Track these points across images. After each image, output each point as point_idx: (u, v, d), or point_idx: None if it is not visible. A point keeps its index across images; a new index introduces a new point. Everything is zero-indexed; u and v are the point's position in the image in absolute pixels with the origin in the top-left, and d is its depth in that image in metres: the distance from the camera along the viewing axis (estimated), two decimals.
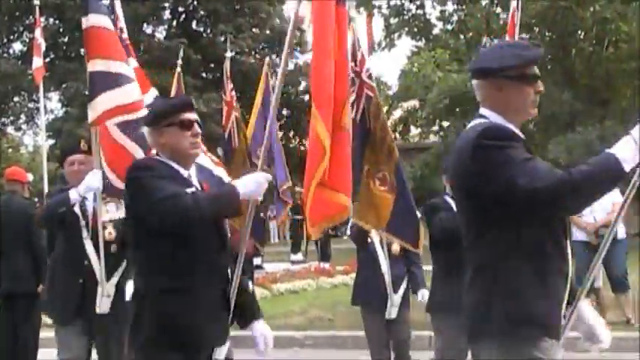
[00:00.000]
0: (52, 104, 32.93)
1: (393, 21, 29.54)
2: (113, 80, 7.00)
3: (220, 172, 8.76)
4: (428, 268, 8.35)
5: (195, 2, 40.35)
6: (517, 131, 4.30)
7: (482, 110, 4.43)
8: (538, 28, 27.24)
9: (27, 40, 36.70)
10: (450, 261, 7.34)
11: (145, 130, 4.91)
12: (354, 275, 11.05)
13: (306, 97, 41.96)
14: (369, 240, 8.71)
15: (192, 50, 37.17)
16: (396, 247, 8.65)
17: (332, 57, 5.98)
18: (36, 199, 11.46)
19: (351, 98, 8.50)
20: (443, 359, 7.62)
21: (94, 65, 6.97)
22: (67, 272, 6.88)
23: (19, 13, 38.22)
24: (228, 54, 13.80)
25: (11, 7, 38.24)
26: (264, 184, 4.76)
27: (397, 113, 30.35)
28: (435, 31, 30.14)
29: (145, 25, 39.36)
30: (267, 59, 14.46)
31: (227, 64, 12.94)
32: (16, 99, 40.51)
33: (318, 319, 13.30)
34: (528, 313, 4.06)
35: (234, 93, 11.76)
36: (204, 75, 38.55)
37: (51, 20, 33.88)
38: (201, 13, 40.31)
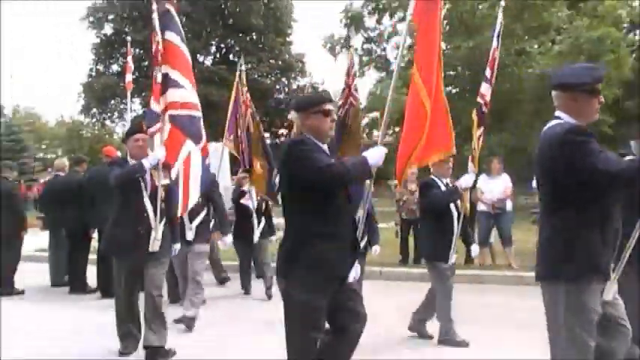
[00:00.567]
0: (135, 106, 33.39)
1: (364, 58, 29.46)
2: (175, 83, 6.84)
3: None
4: (383, 225, 8.37)
5: (232, 41, 40.32)
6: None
7: (558, 113, 4.41)
8: (461, 68, 27.20)
9: (121, 63, 37.18)
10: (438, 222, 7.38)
11: (294, 114, 4.77)
12: None
13: None
14: None
15: (228, 73, 37.32)
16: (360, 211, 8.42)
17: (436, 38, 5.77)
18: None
19: (340, 102, 8.65)
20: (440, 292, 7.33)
21: (166, 69, 6.81)
22: (130, 221, 6.67)
23: (117, 45, 39.08)
24: (243, 67, 13.48)
25: (112, 41, 40.55)
26: (383, 156, 4.59)
27: (365, 121, 30.27)
28: (392, 67, 30.06)
29: (198, 55, 39.51)
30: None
31: (242, 75, 12.91)
32: (112, 102, 41.15)
33: None
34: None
35: (248, 94, 11.74)
36: None
37: (137, 50, 33.92)
38: (236, 48, 40.28)
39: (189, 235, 8.40)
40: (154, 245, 6.62)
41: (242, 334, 8.03)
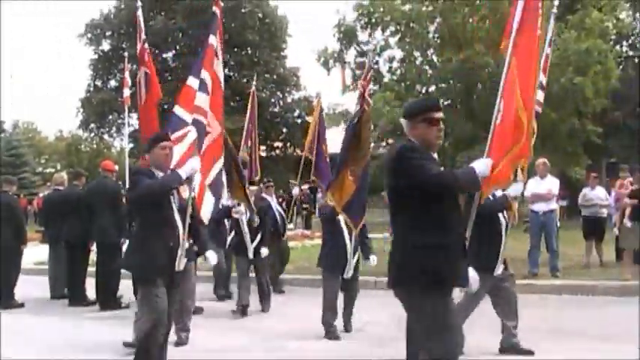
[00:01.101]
0: (132, 120, 33.32)
1: (357, 72, 29.49)
2: (205, 87, 6.80)
3: None
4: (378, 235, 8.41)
5: (228, 56, 40.38)
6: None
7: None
8: (452, 80, 27.28)
9: (119, 79, 37.13)
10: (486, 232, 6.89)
11: (402, 120, 4.57)
12: None
13: (299, 120, 42.01)
14: (338, 219, 8.18)
15: (225, 87, 37.26)
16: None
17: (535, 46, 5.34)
18: (120, 182, 11.52)
19: (356, 108, 8.45)
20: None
21: (204, 74, 6.82)
22: (159, 237, 5.79)
23: (114, 61, 39.34)
24: (253, 88, 13.82)
25: (110, 57, 40.62)
26: (490, 167, 4.56)
27: None
28: (385, 80, 30.10)
29: None
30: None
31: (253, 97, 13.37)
32: (110, 117, 41.15)
33: (302, 267, 13.21)
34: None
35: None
36: (232, 104, 38.60)
37: (134, 65, 33.95)
38: (232, 63, 40.33)
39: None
40: (181, 264, 5.90)
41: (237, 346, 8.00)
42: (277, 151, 41.98)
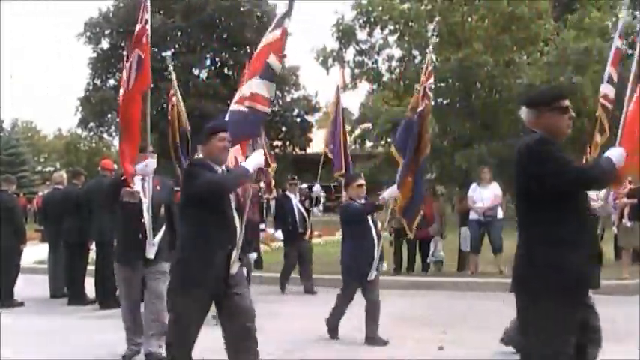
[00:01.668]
0: None
1: (356, 71, 29.47)
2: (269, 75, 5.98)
3: None
4: None
5: (226, 55, 40.41)
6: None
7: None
8: (451, 79, 27.28)
9: (118, 77, 37.18)
10: None
11: (524, 110, 4.19)
12: (326, 238, 10.77)
13: (298, 119, 42.11)
14: (366, 219, 7.78)
15: (223, 86, 37.54)
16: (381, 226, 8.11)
17: None
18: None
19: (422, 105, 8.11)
20: None
21: (272, 59, 6.07)
22: (217, 241, 5.12)
23: (113, 60, 39.61)
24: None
25: (109, 55, 40.80)
26: (624, 156, 4.18)
27: (357, 132, 30.20)
28: (384, 78, 30.09)
29: (193, 68, 39.69)
30: None
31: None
32: (109, 115, 41.14)
33: None
34: None
35: None
36: (230, 102, 38.67)
37: None
38: (230, 62, 40.37)
39: (151, 253, 6.71)
40: (234, 267, 5.23)
41: None
42: (276, 150, 41.99)
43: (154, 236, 6.74)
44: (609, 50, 7.32)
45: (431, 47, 8.46)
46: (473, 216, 12.59)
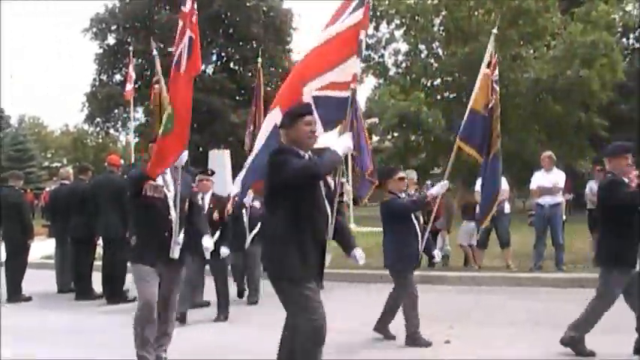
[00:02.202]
0: (138, 115, 33.39)
1: (363, 65, 29.47)
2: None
3: None
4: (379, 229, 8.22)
5: (233, 50, 40.40)
6: None
7: None
8: (458, 74, 27.24)
9: (124, 73, 37.15)
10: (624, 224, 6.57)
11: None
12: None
13: None
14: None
15: (230, 81, 37.57)
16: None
17: None
18: (125, 176, 11.48)
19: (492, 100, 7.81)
20: None
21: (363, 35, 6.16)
22: (311, 229, 4.84)
23: (119, 55, 39.77)
24: (259, 64, 13.59)
25: (115, 51, 40.75)
26: None
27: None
28: (390, 73, 30.09)
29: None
30: None
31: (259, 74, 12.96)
32: (115, 111, 41.26)
33: None
34: None
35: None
36: (237, 97, 38.58)
37: (139, 60, 33.98)
38: (236, 57, 40.38)
39: (176, 252, 6.13)
40: (328, 258, 5.23)
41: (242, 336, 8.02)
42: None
43: (179, 234, 6.15)
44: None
45: (493, 36, 8.07)
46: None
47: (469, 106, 7.74)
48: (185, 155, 6.13)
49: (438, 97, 28.55)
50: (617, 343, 6.68)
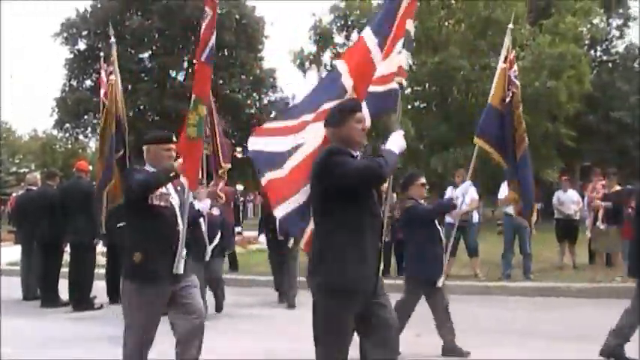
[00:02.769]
0: None
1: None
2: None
3: None
4: None
5: None
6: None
7: None
8: (428, 83, 27.39)
9: (94, 79, 36.90)
10: None
11: None
12: None
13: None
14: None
15: None
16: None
17: None
18: (94, 183, 11.34)
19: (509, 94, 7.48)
20: None
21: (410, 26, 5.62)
22: (369, 236, 4.38)
23: (90, 61, 39.25)
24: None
25: (85, 56, 40.08)
26: None
27: None
28: None
29: (170, 71, 39.49)
30: None
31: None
32: (85, 116, 40.78)
33: None
34: None
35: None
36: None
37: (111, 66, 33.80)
38: None
39: (181, 267, 5.36)
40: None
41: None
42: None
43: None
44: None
45: (509, 31, 7.89)
46: (448, 219, 12.55)
47: (488, 102, 7.57)
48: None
49: (409, 106, 28.62)
50: (584, 351, 6.71)
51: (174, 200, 5.46)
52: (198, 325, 5.21)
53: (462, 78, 25.30)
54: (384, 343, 4.38)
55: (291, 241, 10.27)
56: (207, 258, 9.41)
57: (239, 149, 35.12)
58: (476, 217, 12.59)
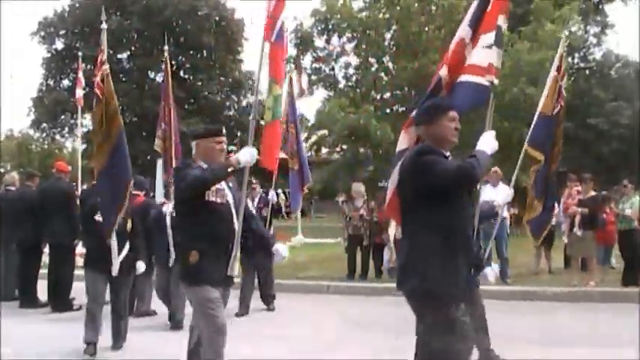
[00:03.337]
0: (86, 121, 32.90)
1: (313, 77, 29.65)
2: None
3: None
4: (331, 240, 8.23)
5: (183, 58, 40.15)
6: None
7: None
8: (407, 88, 27.56)
9: (72, 78, 36.61)
10: None
11: None
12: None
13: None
14: None
15: (179, 89, 37.28)
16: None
17: None
18: (74, 183, 11.33)
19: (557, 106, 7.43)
20: None
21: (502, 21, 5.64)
22: (463, 243, 4.27)
23: (67, 61, 38.97)
24: (166, 54, 12.77)
25: (63, 56, 39.85)
26: None
27: (313, 138, 30.36)
28: (340, 86, 30.25)
29: (149, 72, 39.37)
30: None
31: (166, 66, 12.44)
32: (62, 117, 40.50)
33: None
34: None
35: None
36: (186, 106, 38.39)
37: (88, 65, 33.58)
38: (187, 65, 40.19)
39: (236, 269, 5.28)
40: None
41: None
42: (232, 154, 41.77)
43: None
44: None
45: (563, 40, 7.82)
46: None
47: (538, 111, 7.48)
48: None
49: (388, 110, 28.75)
50: (559, 354, 6.82)
51: (229, 197, 5.29)
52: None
53: None
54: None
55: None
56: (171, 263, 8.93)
57: None
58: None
